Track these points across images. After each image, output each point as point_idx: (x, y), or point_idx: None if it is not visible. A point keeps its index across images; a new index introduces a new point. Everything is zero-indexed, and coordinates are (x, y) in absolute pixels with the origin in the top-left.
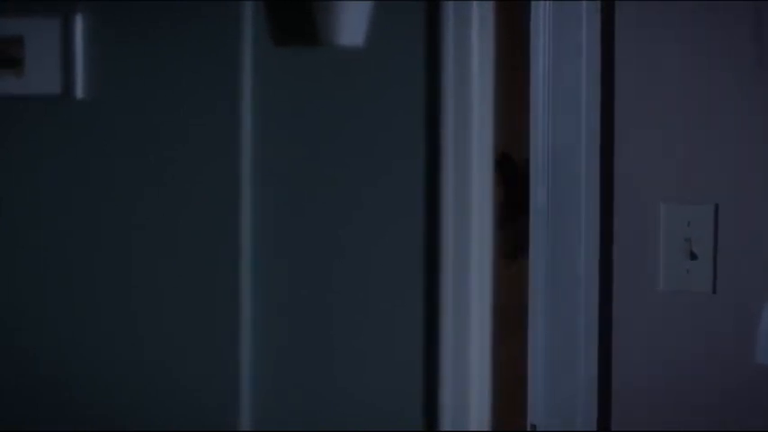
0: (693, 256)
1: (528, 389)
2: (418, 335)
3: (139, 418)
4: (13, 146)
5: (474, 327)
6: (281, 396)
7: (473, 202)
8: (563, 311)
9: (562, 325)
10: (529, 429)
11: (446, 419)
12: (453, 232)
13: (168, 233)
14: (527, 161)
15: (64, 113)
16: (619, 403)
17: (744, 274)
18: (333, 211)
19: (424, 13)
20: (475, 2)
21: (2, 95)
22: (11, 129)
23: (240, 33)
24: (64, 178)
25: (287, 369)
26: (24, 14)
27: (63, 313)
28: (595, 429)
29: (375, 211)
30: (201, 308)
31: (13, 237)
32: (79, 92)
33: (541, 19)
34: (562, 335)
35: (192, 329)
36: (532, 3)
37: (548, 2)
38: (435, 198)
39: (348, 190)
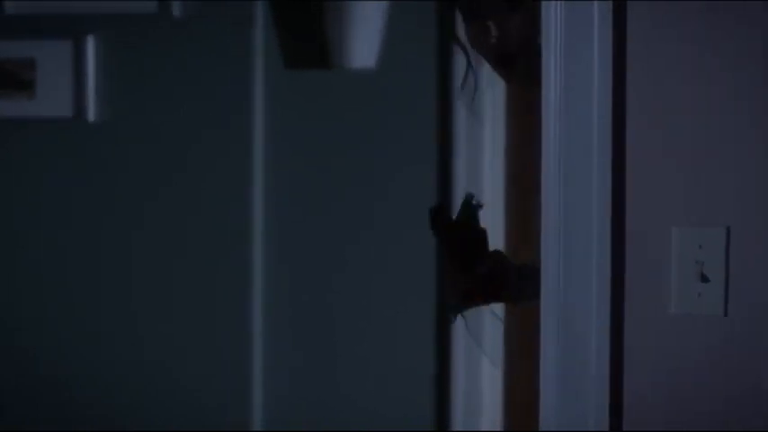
0: (705, 279)
1: (539, 417)
2: (429, 342)
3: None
4: (25, 167)
5: (486, 337)
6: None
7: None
8: (574, 336)
9: (573, 351)
10: None
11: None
12: None
13: (181, 251)
14: (476, 206)
15: (76, 136)
16: (630, 425)
17: (756, 296)
18: (344, 227)
19: (437, 32)
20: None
21: (14, 117)
22: (23, 151)
23: (252, 55)
24: (75, 200)
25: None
26: (36, 36)
27: (81, 319)
28: None
29: (387, 227)
30: (214, 312)
31: (28, 256)
32: (91, 114)
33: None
34: (573, 360)
35: (205, 334)
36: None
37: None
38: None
39: (360, 208)
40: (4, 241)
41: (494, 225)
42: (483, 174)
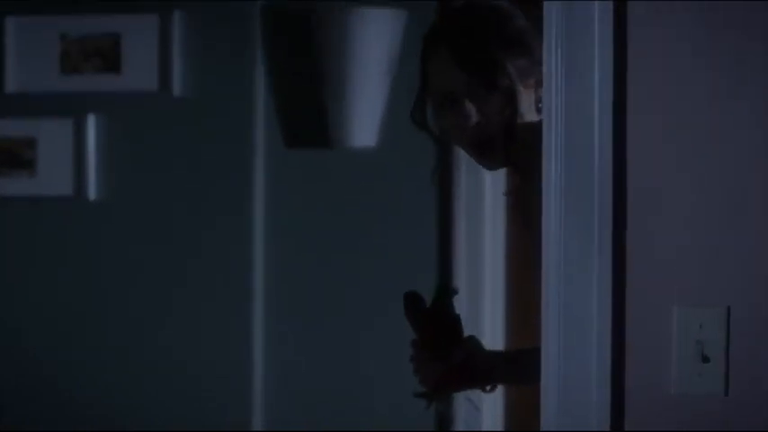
0: (706, 359)
1: None
2: None
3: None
4: (26, 246)
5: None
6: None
7: (485, 303)
8: (574, 418)
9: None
10: None
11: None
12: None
13: (184, 331)
14: (450, 292)
15: (76, 214)
16: None
17: (757, 376)
18: (342, 310)
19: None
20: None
21: (15, 196)
22: (24, 229)
23: (252, 134)
24: (75, 277)
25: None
26: (36, 114)
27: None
28: None
29: (385, 303)
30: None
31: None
32: (91, 193)
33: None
34: None
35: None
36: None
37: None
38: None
39: (359, 286)
40: (5, 315)
41: (493, 305)
42: (484, 254)
